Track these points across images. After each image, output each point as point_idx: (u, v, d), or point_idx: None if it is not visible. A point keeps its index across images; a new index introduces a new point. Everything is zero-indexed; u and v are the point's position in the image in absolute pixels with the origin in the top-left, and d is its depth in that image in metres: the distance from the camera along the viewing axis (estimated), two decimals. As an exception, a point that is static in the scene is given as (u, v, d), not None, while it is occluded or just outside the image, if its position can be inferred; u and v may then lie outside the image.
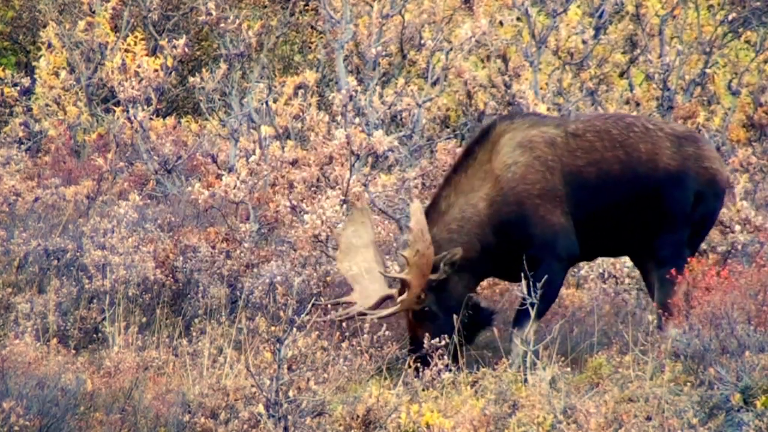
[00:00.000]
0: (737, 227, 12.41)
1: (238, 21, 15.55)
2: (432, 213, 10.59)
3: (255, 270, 11.82)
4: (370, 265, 10.71)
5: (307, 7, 19.59)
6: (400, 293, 10.45)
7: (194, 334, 10.81)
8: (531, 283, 10.11)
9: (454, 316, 10.47)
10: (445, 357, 10.14)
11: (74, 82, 17.19)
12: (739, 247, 12.36)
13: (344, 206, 12.22)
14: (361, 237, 10.79)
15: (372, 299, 10.61)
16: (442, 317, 10.47)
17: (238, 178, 12.91)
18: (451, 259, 10.38)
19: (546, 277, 10.21)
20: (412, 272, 10.29)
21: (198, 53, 19.39)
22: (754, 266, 11.23)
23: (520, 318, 10.42)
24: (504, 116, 10.82)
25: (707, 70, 16.44)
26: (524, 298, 10.12)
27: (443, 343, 10.22)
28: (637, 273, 12.26)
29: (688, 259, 10.59)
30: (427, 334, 10.25)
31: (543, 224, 10.38)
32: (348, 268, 10.73)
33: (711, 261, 12.15)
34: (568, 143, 10.50)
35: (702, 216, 10.55)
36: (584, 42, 16.19)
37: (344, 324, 10.84)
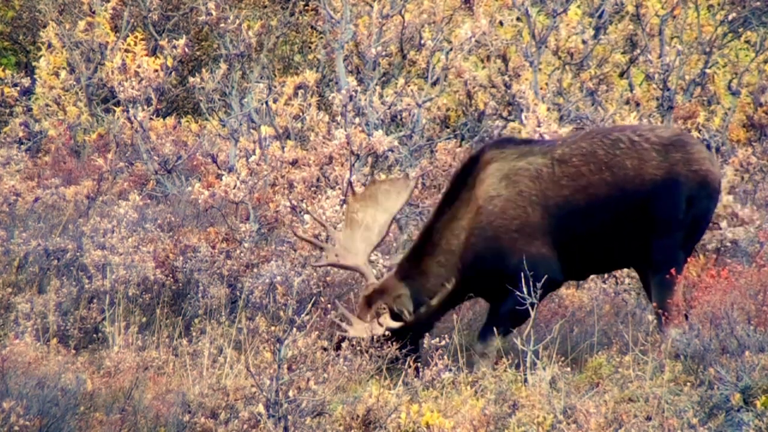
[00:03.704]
0: (723, 223, 12.39)
1: (238, 21, 15.56)
2: (426, 245, 10.63)
3: (255, 270, 11.82)
4: (373, 227, 10.74)
5: (307, 7, 19.59)
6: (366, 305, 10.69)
7: (194, 334, 10.82)
8: (531, 285, 10.14)
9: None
10: (445, 357, 10.15)
11: (74, 82, 17.20)
12: (728, 243, 12.33)
13: (344, 206, 12.22)
14: (389, 200, 10.79)
15: (347, 258, 10.66)
16: (408, 330, 10.59)
17: (238, 178, 12.91)
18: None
19: (519, 296, 10.23)
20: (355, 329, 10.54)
21: (198, 53, 19.39)
22: (754, 266, 11.24)
23: (485, 333, 10.50)
24: (495, 142, 10.80)
25: (707, 70, 16.43)
26: (523, 298, 10.12)
27: (443, 343, 10.24)
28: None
29: (687, 260, 10.60)
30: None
31: (520, 255, 10.39)
32: (356, 209, 10.74)
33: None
34: (554, 173, 10.49)
35: (695, 218, 10.52)
36: (584, 42, 16.18)
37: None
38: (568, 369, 9.50)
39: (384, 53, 16.32)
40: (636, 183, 10.46)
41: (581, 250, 10.50)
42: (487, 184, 10.53)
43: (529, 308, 10.09)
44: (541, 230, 10.42)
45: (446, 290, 10.53)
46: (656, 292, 10.49)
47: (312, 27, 19.39)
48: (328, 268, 11.65)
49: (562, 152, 10.55)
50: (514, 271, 10.35)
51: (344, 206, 10.77)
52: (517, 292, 10.21)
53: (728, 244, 12.34)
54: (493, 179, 10.53)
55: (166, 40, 16.58)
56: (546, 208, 10.44)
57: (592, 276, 12.50)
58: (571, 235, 10.45)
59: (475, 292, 10.71)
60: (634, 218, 10.45)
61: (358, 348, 10.31)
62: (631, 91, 16.32)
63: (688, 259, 11.19)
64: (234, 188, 12.85)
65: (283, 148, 13.94)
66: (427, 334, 10.62)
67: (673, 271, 10.39)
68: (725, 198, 12.50)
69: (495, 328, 10.48)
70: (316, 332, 9.85)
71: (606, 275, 12.51)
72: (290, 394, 8.53)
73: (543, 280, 10.27)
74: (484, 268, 10.49)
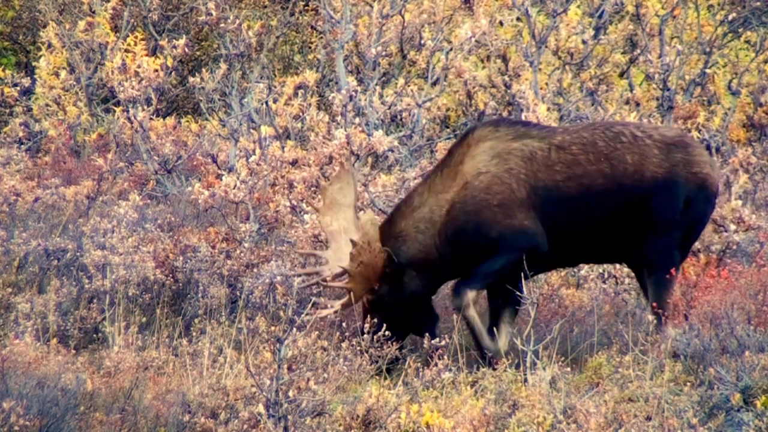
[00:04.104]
0: (732, 226, 12.39)
1: (238, 21, 15.56)
2: (404, 206, 10.68)
3: (255, 270, 11.82)
4: (349, 225, 10.78)
5: (307, 7, 19.59)
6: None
7: (194, 334, 10.82)
8: (522, 276, 10.21)
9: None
10: (445, 357, 10.15)
11: (74, 82, 17.20)
12: (734, 246, 12.34)
13: (318, 226, 12.25)
14: (345, 196, 10.84)
15: (343, 263, 10.67)
16: (394, 310, 10.56)
17: (238, 178, 12.92)
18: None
19: (498, 258, 10.27)
20: (353, 281, 10.49)
21: (198, 53, 19.40)
22: (754, 266, 11.25)
23: (457, 289, 10.51)
24: (490, 121, 10.79)
25: (707, 70, 16.43)
26: (524, 298, 10.13)
27: (443, 343, 10.23)
28: (637, 273, 12.26)
29: (684, 261, 10.61)
30: (376, 322, 10.43)
31: (501, 228, 10.40)
32: (329, 222, 10.79)
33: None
34: (549, 157, 10.47)
35: (692, 220, 10.50)
36: (584, 42, 16.18)
37: (344, 324, 10.85)
38: (568, 369, 9.50)
39: (384, 53, 16.32)
40: (635, 179, 10.44)
41: (576, 239, 10.49)
42: (477, 160, 10.53)
43: (528, 306, 10.10)
44: (523, 204, 10.40)
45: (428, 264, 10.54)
46: (653, 292, 10.48)
47: (312, 27, 19.39)
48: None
49: (562, 139, 10.53)
50: (494, 242, 10.37)
51: (322, 224, 10.80)
52: (499, 256, 10.28)
53: (734, 246, 12.34)
54: (484, 156, 10.52)
55: (166, 40, 16.58)
56: (534, 188, 10.42)
57: (592, 276, 12.50)
58: (564, 223, 10.43)
59: (457, 268, 10.66)
60: (629, 214, 10.44)
61: (358, 348, 10.31)
62: (631, 91, 16.32)
63: (688, 259, 11.19)
64: (234, 188, 12.85)
65: (283, 148, 13.93)
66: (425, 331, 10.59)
67: (671, 270, 10.39)
68: (734, 202, 12.49)
69: (468, 283, 10.46)
70: (316, 332, 9.86)
71: (606, 275, 12.51)
72: (290, 394, 8.53)
73: (526, 247, 10.29)
74: (465, 241, 10.48)
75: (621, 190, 10.43)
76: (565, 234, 10.45)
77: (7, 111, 17.32)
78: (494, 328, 10.54)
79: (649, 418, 8.81)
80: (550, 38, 16.00)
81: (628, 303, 12.00)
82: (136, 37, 16.61)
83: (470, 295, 10.47)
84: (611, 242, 10.51)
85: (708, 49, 16.40)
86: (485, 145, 10.55)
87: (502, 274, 10.35)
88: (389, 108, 14.91)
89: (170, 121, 16.35)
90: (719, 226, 12.37)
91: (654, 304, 10.42)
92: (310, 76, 16.04)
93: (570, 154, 10.46)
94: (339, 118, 14.02)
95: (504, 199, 10.40)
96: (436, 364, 9.97)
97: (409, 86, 15.45)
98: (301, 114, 15.65)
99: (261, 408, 8.50)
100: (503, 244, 10.32)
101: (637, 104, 15.95)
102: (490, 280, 10.47)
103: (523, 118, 14.34)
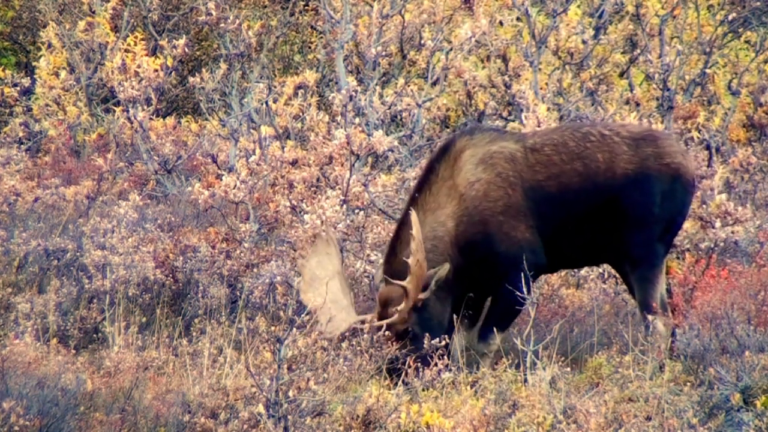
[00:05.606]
0: (717, 222, 12.36)
1: (238, 21, 15.56)
2: (404, 234, 10.46)
3: (255, 270, 11.82)
4: (335, 295, 10.62)
5: (307, 7, 19.59)
6: (384, 310, 10.42)
7: (194, 334, 10.82)
8: (527, 282, 10.15)
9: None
10: (445, 357, 10.15)
11: (74, 82, 17.20)
12: (721, 243, 12.32)
13: (344, 206, 12.22)
14: (326, 268, 10.69)
15: (341, 329, 10.55)
16: (422, 338, 10.42)
17: (238, 178, 12.92)
18: (440, 275, 10.40)
19: (511, 291, 10.23)
20: (412, 281, 10.30)
21: (198, 53, 19.40)
22: (754, 266, 11.25)
23: (486, 333, 10.49)
24: (464, 131, 10.79)
25: (707, 70, 16.44)
26: (524, 298, 10.12)
27: (443, 342, 10.22)
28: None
29: (668, 254, 10.63)
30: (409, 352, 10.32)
31: (508, 241, 10.40)
32: (312, 299, 10.62)
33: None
34: (528, 158, 10.52)
35: (672, 212, 10.52)
36: (584, 42, 16.19)
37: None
38: (568, 369, 9.50)
39: (384, 53, 16.33)
40: (607, 176, 10.49)
41: (559, 240, 10.50)
42: (465, 171, 10.53)
43: (528, 306, 10.10)
44: (524, 213, 10.43)
45: (447, 271, 10.43)
46: (638, 288, 10.50)
47: (312, 27, 19.40)
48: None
49: (534, 142, 10.60)
50: (502, 257, 10.35)
51: (306, 302, 10.62)
52: (508, 286, 10.24)
53: (721, 243, 12.32)
54: (469, 166, 10.53)
55: (166, 40, 16.59)
56: (524, 189, 10.47)
57: (592, 276, 12.50)
58: (549, 223, 10.46)
59: (468, 285, 10.63)
60: (607, 211, 10.47)
61: (358, 348, 10.31)
62: (631, 91, 16.33)
63: (687, 262, 11.18)
64: (234, 188, 12.85)
65: (283, 148, 13.94)
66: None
67: (655, 264, 10.40)
68: (717, 197, 12.48)
69: (494, 328, 10.48)
70: (317, 332, 9.86)
71: (606, 275, 12.51)
72: (290, 394, 8.53)
73: (529, 265, 10.28)
74: (474, 256, 10.46)
75: (596, 188, 10.47)
76: (554, 236, 10.47)
77: (7, 111, 17.33)
78: (493, 327, 10.52)
79: (649, 418, 8.81)
80: (550, 38, 16.00)
81: (628, 303, 12.00)
82: (136, 37, 16.62)
83: (498, 338, 10.48)
84: (592, 241, 10.52)
85: (708, 49, 16.41)
86: (466, 154, 10.56)
87: (520, 308, 10.28)
88: (389, 108, 14.92)
89: (170, 121, 16.36)
90: (706, 222, 12.36)
91: (639, 300, 10.44)
92: (310, 76, 16.04)
93: (544, 155, 10.53)
94: (339, 118, 14.03)
95: (505, 206, 10.41)
96: (436, 364, 9.97)
97: (409, 86, 15.45)
98: (301, 114, 15.66)
99: (261, 408, 8.51)
100: (508, 262, 10.30)
101: (637, 104, 15.96)
102: (511, 315, 10.45)
103: (523, 118, 14.35)
